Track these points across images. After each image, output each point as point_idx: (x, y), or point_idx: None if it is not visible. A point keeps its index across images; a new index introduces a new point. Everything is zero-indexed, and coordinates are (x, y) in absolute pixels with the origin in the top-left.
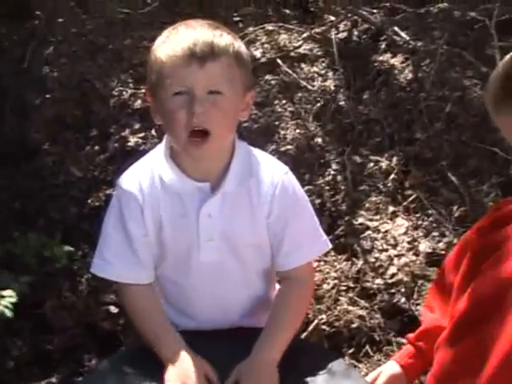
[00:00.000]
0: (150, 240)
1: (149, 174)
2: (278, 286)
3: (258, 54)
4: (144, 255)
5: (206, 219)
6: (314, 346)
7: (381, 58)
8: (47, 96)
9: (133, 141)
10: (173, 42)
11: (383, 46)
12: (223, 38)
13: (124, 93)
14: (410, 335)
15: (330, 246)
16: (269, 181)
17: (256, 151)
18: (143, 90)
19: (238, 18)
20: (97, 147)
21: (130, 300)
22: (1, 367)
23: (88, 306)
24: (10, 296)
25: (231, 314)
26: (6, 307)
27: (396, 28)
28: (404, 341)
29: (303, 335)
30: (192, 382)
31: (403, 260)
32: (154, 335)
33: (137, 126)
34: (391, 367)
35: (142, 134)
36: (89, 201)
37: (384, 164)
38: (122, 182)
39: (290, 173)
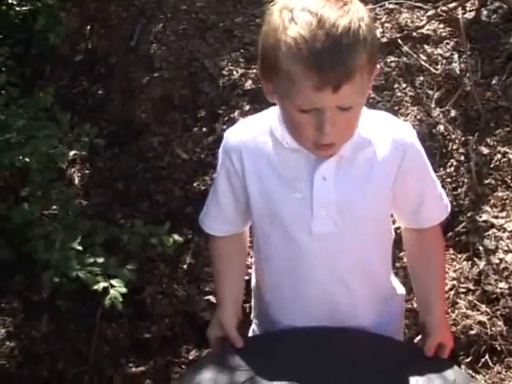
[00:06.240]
0: (238, 196)
1: (261, 128)
2: (394, 280)
3: (377, 33)
4: (227, 209)
5: (320, 182)
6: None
7: None
8: (155, 75)
9: None
10: (298, 40)
11: None
12: (357, 40)
13: (234, 72)
14: None
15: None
16: (395, 144)
17: (375, 112)
18: (255, 71)
19: None
20: (204, 129)
21: (211, 248)
22: (96, 352)
23: (189, 295)
24: (120, 286)
25: (342, 303)
26: (116, 298)
27: None
28: None
29: (416, 339)
30: (225, 329)
31: None
32: (219, 278)
33: (247, 108)
34: None
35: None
36: (194, 184)
37: None
38: (229, 133)
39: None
